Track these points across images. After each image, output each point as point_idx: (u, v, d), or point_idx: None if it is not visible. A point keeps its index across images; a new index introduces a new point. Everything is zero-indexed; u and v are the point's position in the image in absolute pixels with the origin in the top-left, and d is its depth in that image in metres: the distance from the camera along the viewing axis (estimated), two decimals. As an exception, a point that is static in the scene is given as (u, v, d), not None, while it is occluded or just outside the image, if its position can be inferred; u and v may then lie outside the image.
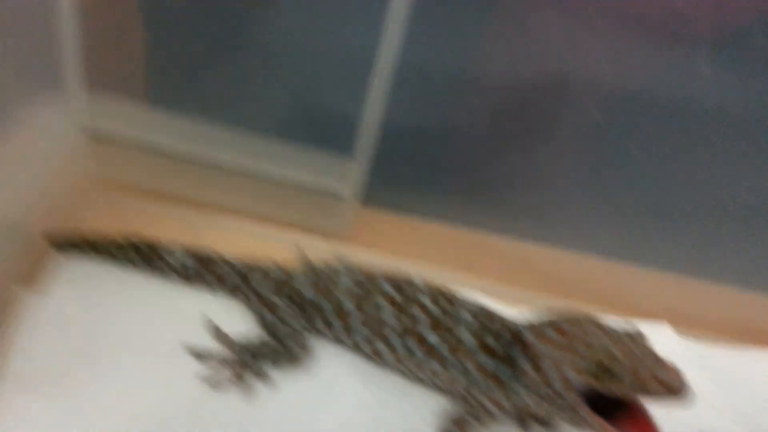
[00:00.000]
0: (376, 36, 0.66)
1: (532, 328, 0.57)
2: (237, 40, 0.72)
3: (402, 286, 0.63)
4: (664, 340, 0.75)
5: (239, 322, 0.65)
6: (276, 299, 0.64)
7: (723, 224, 0.82)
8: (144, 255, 0.65)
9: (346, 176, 0.75)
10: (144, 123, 0.72)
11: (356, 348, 0.64)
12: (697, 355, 0.74)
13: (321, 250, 0.76)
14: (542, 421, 0.63)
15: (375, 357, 0.63)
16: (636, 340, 0.53)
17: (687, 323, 0.78)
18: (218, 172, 0.74)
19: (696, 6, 0.68)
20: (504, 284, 0.80)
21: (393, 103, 0.70)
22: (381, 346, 0.61)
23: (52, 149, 0.69)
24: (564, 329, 0.54)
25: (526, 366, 0.55)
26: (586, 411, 0.51)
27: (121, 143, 0.73)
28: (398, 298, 0.62)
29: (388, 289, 0.62)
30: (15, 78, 0.63)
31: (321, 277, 0.65)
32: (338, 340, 0.64)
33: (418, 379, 0.63)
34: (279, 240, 0.76)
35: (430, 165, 0.85)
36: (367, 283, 0.63)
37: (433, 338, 0.60)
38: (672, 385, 0.48)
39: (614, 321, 0.55)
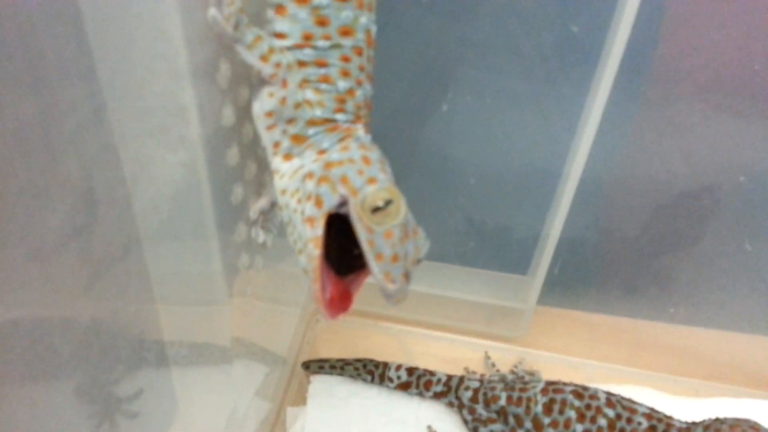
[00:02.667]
0: (564, 155, 0.77)
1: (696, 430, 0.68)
2: (427, 176, 0.90)
3: (582, 394, 0.76)
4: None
5: (448, 421, 0.83)
6: (474, 405, 0.81)
7: None
8: (371, 372, 0.86)
9: (523, 292, 0.91)
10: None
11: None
12: None
13: (505, 353, 0.92)
14: None
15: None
16: None
17: None
18: (421, 296, 0.94)
19: None
20: (670, 373, 0.90)
21: (568, 218, 0.83)
22: None
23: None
24: None
25: None
26: None
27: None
28: (583, 408, 0.75)
29: (574, 400, 0.76)
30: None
31: (511, 385, 0.81)
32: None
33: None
34: (470, 346, 0.94)
35: (596, 265, 0.97)
36: (552, 392, 0.77)
37: None
38: None
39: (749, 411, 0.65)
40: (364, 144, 0.49)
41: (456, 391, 0.83)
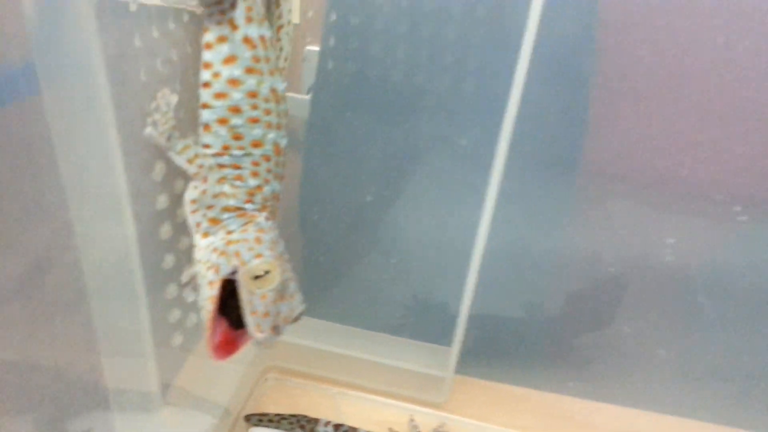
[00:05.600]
0: (473, 229, 0.89)
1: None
2: (361, 256, 1.05)
3: None
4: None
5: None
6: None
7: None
8: (303, 426, 0.97)
9: (444, 361, 1.02)
10: (301, 330, 1.08)
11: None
12: None
13: (428, 417, 1.03)
14: None
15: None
16: None
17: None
18: (352, 360, 1.06)
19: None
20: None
21: (481, 290, 0.95)
22: None
23: (248, 353, 1.06)
24: None
25: None
26: None
27: (286, 345, 1.09)
28: None
29: None
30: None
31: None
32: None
33: None
34: (396, 409, 1.05)
35: (514, 338, 1.09)
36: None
37: None
38: None
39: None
40: (263, 228, 0.64)
41: (374, 446, 0.94)
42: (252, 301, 0.58)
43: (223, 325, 0.61)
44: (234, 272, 0.60)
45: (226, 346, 0.61)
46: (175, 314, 0.72)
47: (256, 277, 0.59)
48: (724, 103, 0.83)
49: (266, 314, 0.59)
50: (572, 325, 1.02)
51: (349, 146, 0.95)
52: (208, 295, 0.60)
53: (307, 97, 0.94)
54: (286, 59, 0.72)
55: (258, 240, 0.62)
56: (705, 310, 0.93)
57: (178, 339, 0.74)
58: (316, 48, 0.90)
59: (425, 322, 1.07)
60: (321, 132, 0.96)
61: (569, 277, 1.00)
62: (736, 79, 0.82)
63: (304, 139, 0.98)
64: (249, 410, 1.02)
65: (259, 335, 0.59)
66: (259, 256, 0.60)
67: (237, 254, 0.60)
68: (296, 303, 0.63)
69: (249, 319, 0.59)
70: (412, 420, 1.02)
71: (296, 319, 0.63)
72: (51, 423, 0.68)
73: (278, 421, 0.98)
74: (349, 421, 1.00)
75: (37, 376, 0.64)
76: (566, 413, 1.04)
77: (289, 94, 0.90)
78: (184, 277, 0.72)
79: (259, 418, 0.99)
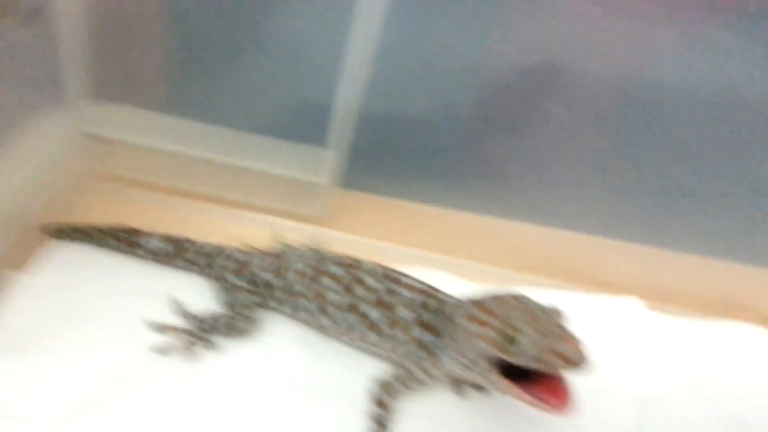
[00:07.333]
0: (345, 26, 0.69)
1: (459, 305, 0.60)
2: (229, 45, 0.78)
3: (350, 267, 0.67)
4: (632, 314, 0.76)
5: (204, 299, 0.71)
6: (234, 279, 0.70)
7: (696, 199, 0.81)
8: (125, 240, 0.73)
9: (321, 165, 0.80)
10: (137, 124, 0.81)
11: (304, 323, 0.69)
12: (661, 328, 0.74)
13: (299, 234, 0.81)
14: (474, 386, 0.66)
15: (320, 330, 0.69)
16: (549, 315, 0.55)
17: (659, 297, 0.78)
18: (205, 165, 0.81)
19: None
20: (476, 262, 0.83)
21: (370, 90, 0.74)
22: (325, 321, 0.67)
23: (52, 150, 0.78)
24: (486, 306, 0.57)
25: (448, 338, 0.59)
26: (495, 376, 0.54)
27: (117, 143, 0.82)
28: (345, 278, 0.66)
29: (336, 270, 0.66)
30: (21, 88, 0.72)
31: (277, 259, 0.70)
32: (288, 316, 0.70)
33: (360, 348, 0.68)
34: (262, 224, 0.82)
35: (408, 149, 0.87)
36: (318, 265, 0.68)
37: (374, 314, 0.64)
38: (568, 357, 0.50)
39: (543, 299, 0.56)
40: None
41: (217, 264, 0.72)
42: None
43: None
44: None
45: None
46: None
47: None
48: None
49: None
50: (482, 132, 0.81)
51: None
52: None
53: None
54: None
55: None
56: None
57: None
58: None
59: (298, 120, 0.82)
60: None
61: (481, 76, 0.77)
62: None
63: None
64: (50, 220, 0.75)
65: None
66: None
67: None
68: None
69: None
70: (276, 235, 0.79)
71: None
72: None
73: (91, 235, 0.73)
74: (193, 236, 0.76)
75: None
76: (468, 230, 0.86)
77: None
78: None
79: (60, 229, 0.74)
